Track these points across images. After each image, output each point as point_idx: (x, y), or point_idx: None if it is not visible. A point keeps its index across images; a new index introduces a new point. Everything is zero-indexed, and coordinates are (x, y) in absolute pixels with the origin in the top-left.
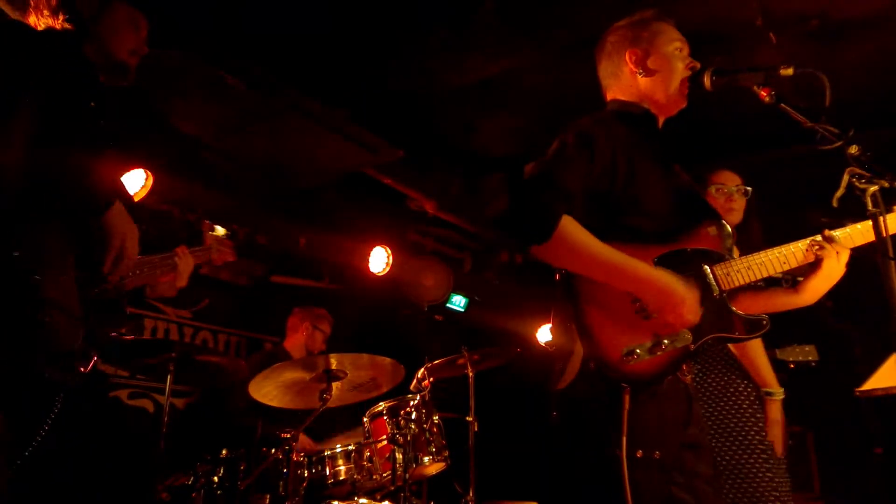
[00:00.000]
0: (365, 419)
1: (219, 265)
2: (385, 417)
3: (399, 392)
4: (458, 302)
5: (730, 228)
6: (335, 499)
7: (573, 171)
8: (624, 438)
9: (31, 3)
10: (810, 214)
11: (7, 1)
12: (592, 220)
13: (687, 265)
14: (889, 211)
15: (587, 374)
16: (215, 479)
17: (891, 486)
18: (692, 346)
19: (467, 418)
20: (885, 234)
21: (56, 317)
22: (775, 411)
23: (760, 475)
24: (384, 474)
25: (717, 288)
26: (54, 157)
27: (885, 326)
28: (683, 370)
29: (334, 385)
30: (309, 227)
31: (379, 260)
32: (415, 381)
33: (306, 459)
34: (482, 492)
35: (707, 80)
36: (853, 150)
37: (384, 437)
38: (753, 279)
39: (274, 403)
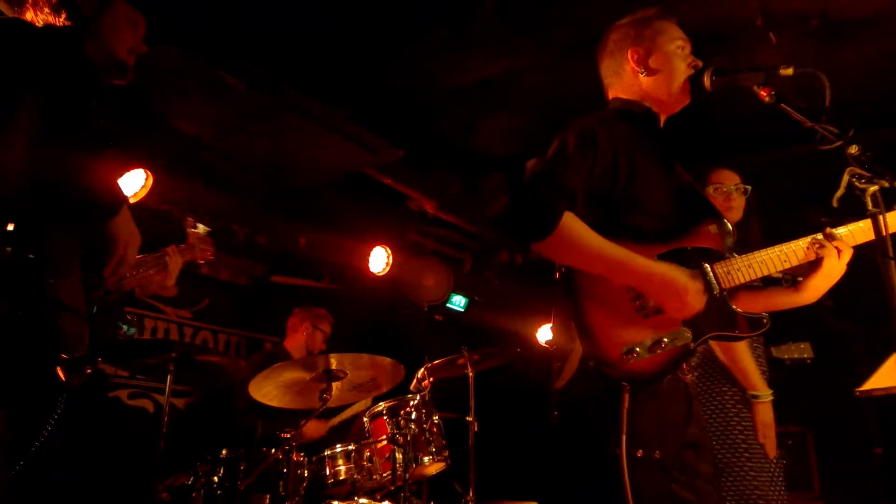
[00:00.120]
0: (365, 419)
1: (200, 263)
2: (385, 417)
3: (399, 392)
4: (458, 302)
5: (730, 226)
6: (335, 499)
7: (574, 169)
8: (624, 438)
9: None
10: (810, 214)
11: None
12: (593, 218)
13: (688, 263)
14: (889, 210)
15: (586, 372)
16: (215, 479)
17: (891, 486)
18: (692, 345)
19: (467, 418)
20: (885, 234)
21: (66, 319)
22: (763, 413)
23: (742, 474)
24: (384, 474)
25: (717, 286)
26: (55, 158)
27: (885, 326)
28: (683, 369)
29: (334, 385)
30: (309, 227)
31: (379, 260)
32: (415, 381)
33: (306, 459)
34: (482, 492)
35: (707, 80)
36: (853, 150)
37: (384, 437)
38: (754, 277)
39: (274, 403)
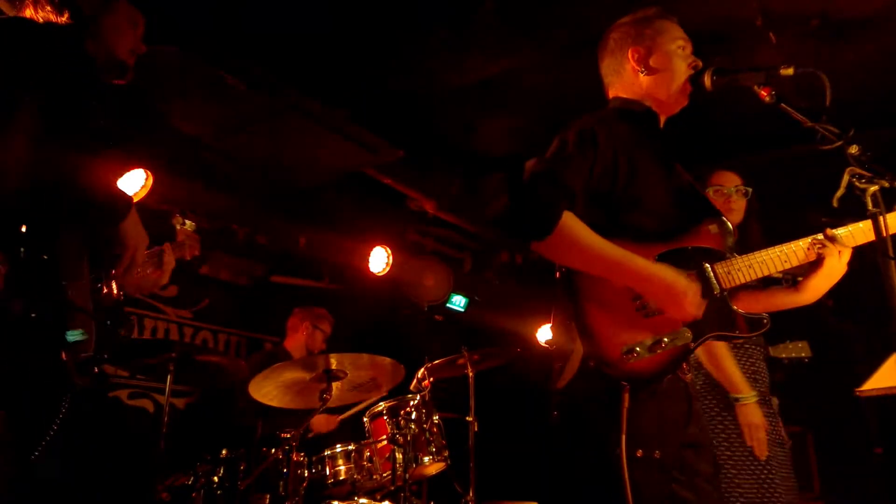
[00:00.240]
0: (365, 419)
1: (187, 260)
2: (385, 417)
3: (399, 392)
4: (458, 302)
5: (731, 226)
6: (335, 499)
7: (574, 169)
8: (623, 438)
9: None
10: (810, 214)
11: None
12: (593, 218)
13: (688, 263)
14: (889, 210)
15: (587, 372)
16: (215, 479)
17: (891, 486)
18: (692, 345)
19: (467, 418)
20: (885, 234)
21: (78, 320)
22: (748, 415)
23: (728, 480)
24: (384, 474)
25: (717, 286)
26: (55, 158)
27: (885, 326)
28: (683, 368)
29: (334, 385)
30: (309, 227)
31: (379, 260)
32: (415, 381)
33: (306, 459)
34: (482, 492)
35: (707, 80)
36: (853, 150)
37: (384, 437)
38: (754, 277)
39: (274, 403)
